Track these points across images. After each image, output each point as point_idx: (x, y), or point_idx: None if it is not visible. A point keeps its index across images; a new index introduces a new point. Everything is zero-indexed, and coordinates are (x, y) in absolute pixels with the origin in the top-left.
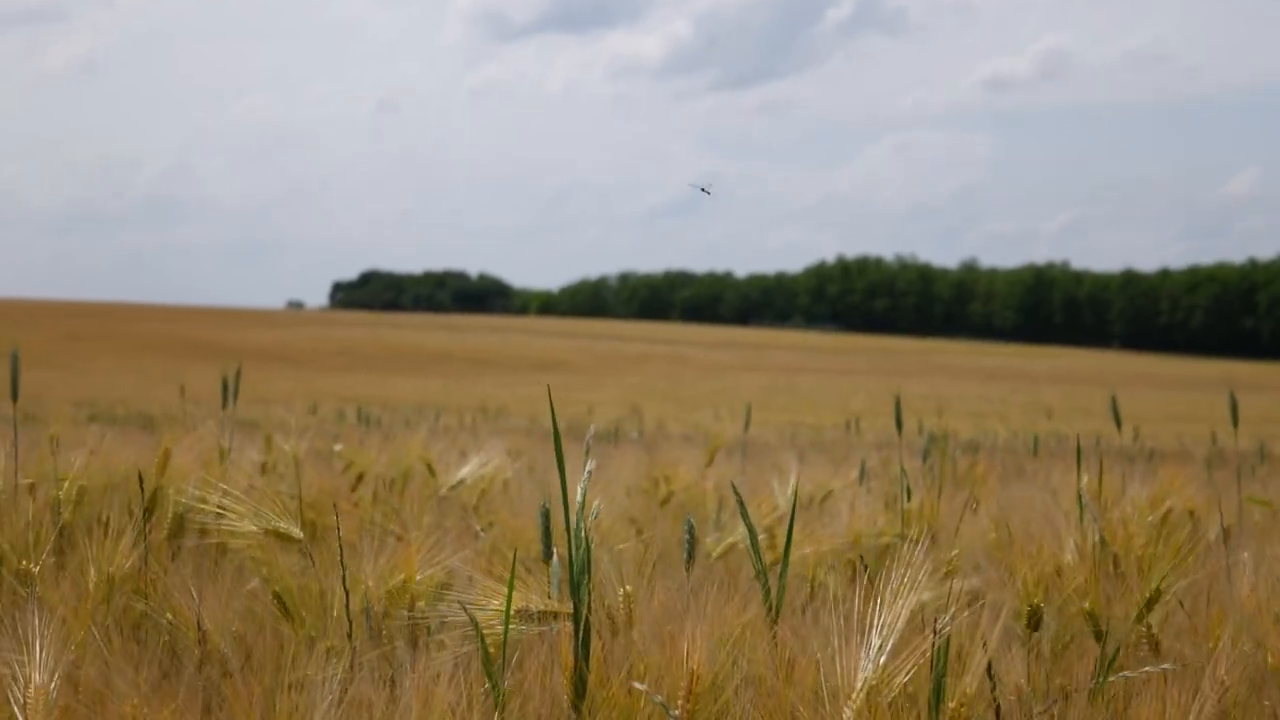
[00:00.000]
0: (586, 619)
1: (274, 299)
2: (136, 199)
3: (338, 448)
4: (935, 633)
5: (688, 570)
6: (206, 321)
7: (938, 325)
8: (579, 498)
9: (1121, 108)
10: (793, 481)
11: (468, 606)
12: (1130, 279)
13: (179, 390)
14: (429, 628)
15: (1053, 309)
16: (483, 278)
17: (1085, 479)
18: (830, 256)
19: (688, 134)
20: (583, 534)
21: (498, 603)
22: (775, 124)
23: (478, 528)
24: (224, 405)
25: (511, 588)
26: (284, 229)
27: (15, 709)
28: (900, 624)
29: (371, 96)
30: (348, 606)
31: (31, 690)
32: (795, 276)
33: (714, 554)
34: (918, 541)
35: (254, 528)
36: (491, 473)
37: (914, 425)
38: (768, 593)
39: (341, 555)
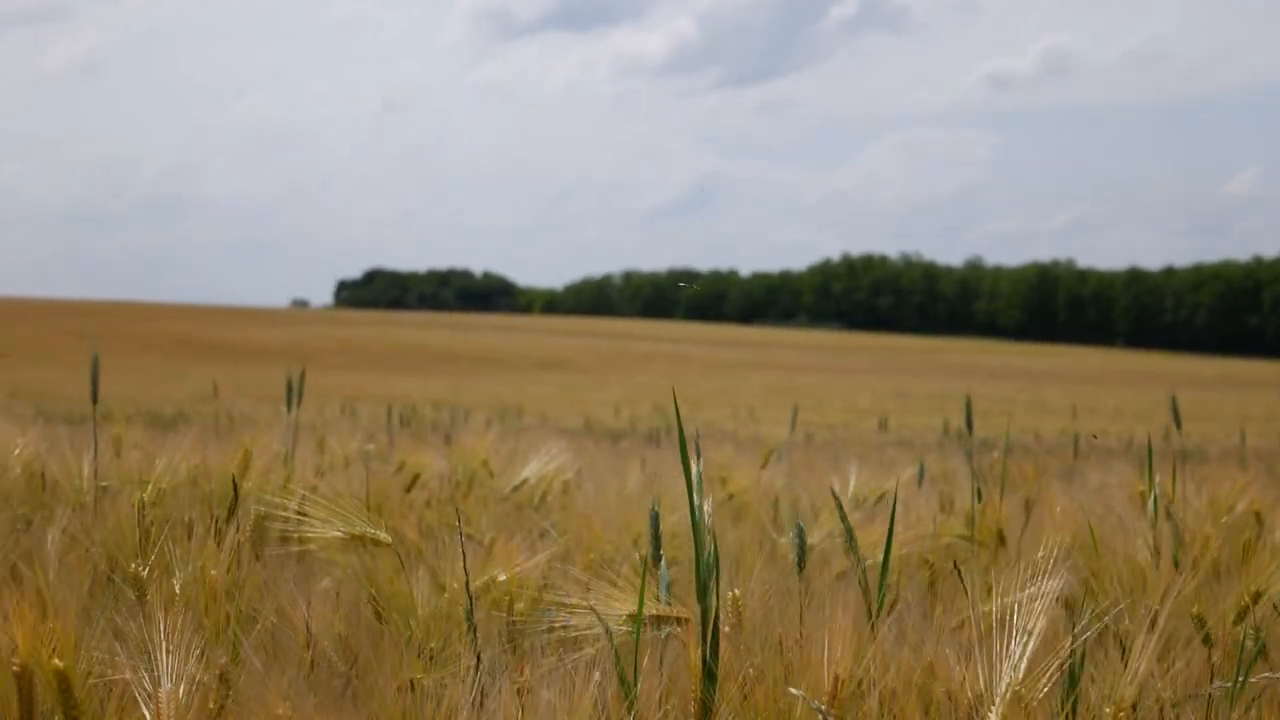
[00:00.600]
0: (715, 622)
1: (278, 298)
2: (139, 198)
3: (369, 447)
4: (1073, 637)
5: (800, 573)
6: (210, 320)
7: (942, 323)
8: (696, 500)
9: (1123, 106)
10: (853, 483)
11: (600, 612)
12: (1135, 277)
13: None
14: (529, 630)
15: (1057, 307)
16: (487, 276)
17: (1147, 481)
18: (834, 255)
19: (690, 132)
20: (708, 536)
21: (603, 605)
22: (778, 122)
23: (550, 528)
24: (289, 408)
25: (643, 591)
26: (286, 228)
27: (148, 715)
28: (1039, 628)
29: (374, 95)
30: (470, 610)
31: (163, 695)
32: (800, 275)
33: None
34: (986, 544)
35: (339, 532)
36: (553, 473)
37: (927, 425)
38: (867, 594)
39: (465, 559)
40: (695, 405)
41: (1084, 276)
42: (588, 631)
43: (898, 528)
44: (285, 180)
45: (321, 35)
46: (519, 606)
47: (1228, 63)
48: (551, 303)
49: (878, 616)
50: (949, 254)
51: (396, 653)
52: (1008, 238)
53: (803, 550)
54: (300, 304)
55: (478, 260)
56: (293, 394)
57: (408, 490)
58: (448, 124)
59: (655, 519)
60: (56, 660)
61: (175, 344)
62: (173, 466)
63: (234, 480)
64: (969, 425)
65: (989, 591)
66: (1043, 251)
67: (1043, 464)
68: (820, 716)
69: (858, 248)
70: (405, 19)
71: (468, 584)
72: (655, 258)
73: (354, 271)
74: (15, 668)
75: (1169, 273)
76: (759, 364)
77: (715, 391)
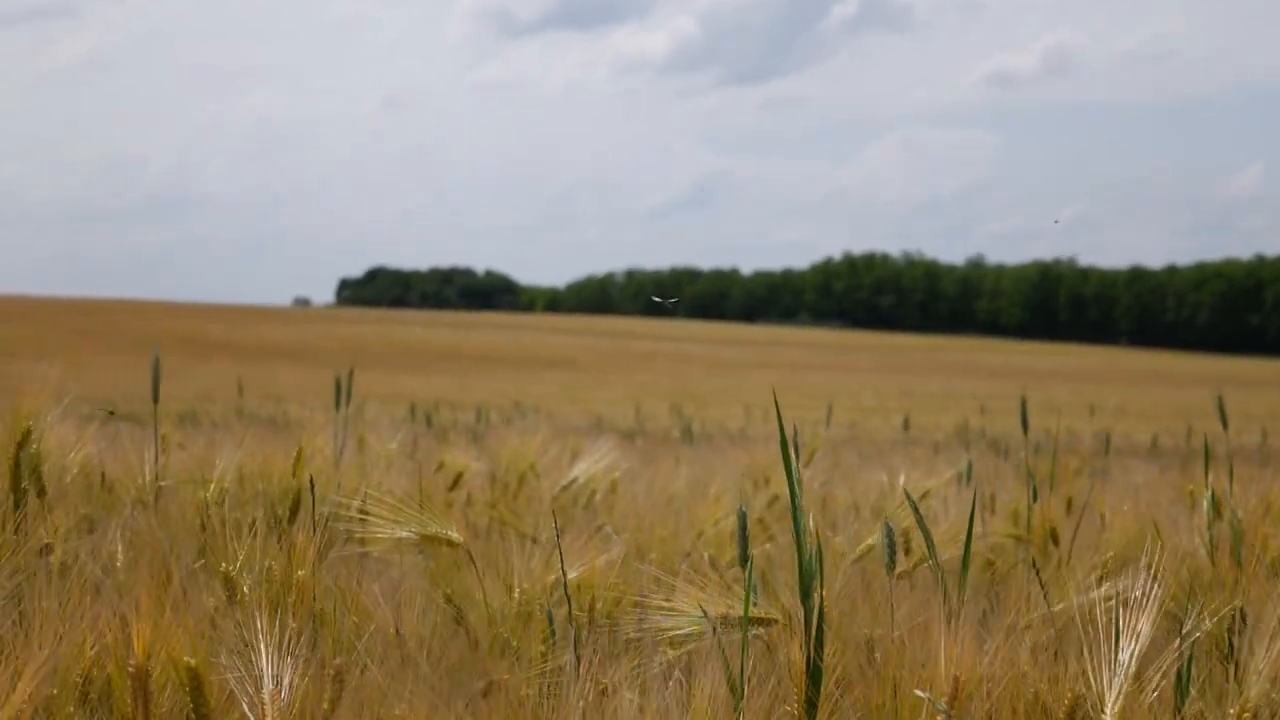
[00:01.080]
0: (819, 624)
1: (280, 296)
2: (141, 196)
3: (392, 445)
4: (1182, 638)
5: (890, 574)
6: (213, 318)
7: (944, 322)
8: (797, 500)
9: (1125, 105)
10: (902, 481)
11: (694, 613)
12: (1137, 275)
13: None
14: (615, 629)
15: (1059, 306)
16: (489, 274)
17: (1196, 480)
18: (836, 253)
19: (691, 131)
20: (811, 536)
21: (688, 604)
22: (780, 121)
23: (607, 528)
24: (337, 407)
25: (750, 591)
26: (288, 226)
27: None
28: (1146, 631)
29: (375, 94)
30: (570, 612)
31: (266, 695)
32: (802, 273)
33: (851, 557)
34: (1038, 544)
35: (410, 533)
36: (601, 473)
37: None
38: (946, 595)
39: (561, 558)
40: (700, 404)
41: (1086, 275)
42: (677, 632)
43: (944, 527)
44: (287, 178)
45: (323, 34)
46: (598, 606)
47: (1230, 61)
48: (553, 301)
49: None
50: (951, 253)
51: (480, 653)
52: (1009, 236)
53: (893, 550)
54: (302, 302)
55: (479, 259)
56: (341, 393)
57: (450, 489)
58: (449, 123)
59: (743, 519)
60: (188, 658)
61: (179, 342)
62: (233, 465)
63: (310, 480)
64: (1024, 425)
65: (1054, 591)
66: (1045, 250)
67: (1065, 464)
68: (944, 718)
69: (860, 246)
70: (406, 18)
71: (564, 582)
72: (657, 256)
73: (356, 270)
74: (132, 668)
75: (1171, 271)
76: (761, 363)
77: (719, 390)
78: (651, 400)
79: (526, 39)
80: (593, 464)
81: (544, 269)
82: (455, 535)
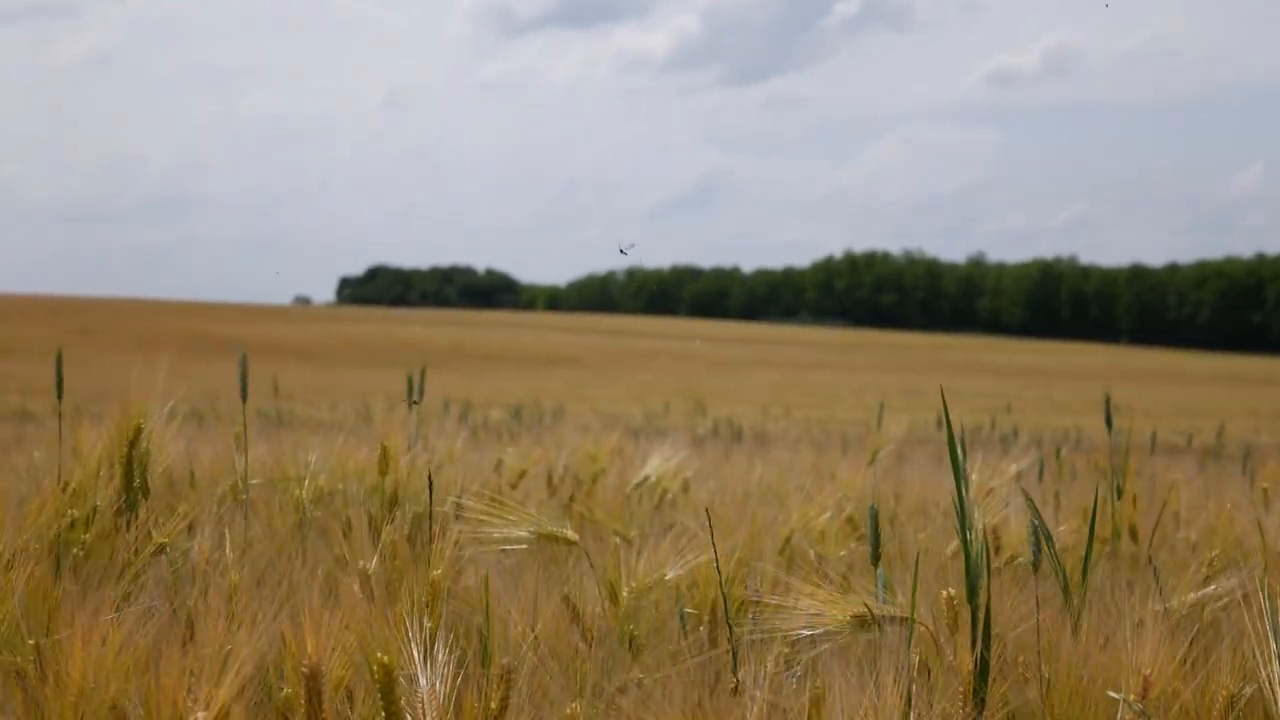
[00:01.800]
0: (987, 624)
1: (280, 295)
2: (142, 195)
3: (456, 444)
4: None
5: (1036, 572)
6: (216, 316)
7: (945, 320)
8: (964, 502)
9: (1126, 104)
10: (975, 478)
11: (823, 613)
12: (1138, 274)
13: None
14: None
15: (1060, 304)
16: (490, 273)
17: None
18: (838, 251)
19: (692, 130)
20: (976, 534)
21: (810, 603)
22: (781, 119)
23: (694, 526)
24: (410, 404)
25: (882, 589)
26: (288, 225)
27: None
28: None
29: (377, 92)
30: (721, 609)
31: (422, 694)
32: (803, 271)
33: (946, 553)
34: (1116, 541)
35: (526, 531)
36: (673, 471)
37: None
38: (1067, 594)
39: (723, 560)
40: (708, 402)
41: (1087, 273)
42: (808, 631)
43: (1014, 526)
44: (287, 178)
45: (323, 33)
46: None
47: (1230, 60)
48: (554, 299)
49: (1081, 613)
50: (951, 251)
51: (607, 651)
52: (1010, 235)
53: (1039, 549)
54: (303, 301)
55: (479, 258)
56: (413, 390)
57: (513, 486)
58: (449, 122)
59: (874, 517)
60: (381, 655)
61: (184, 341)
62: (316, 463)
63: (429, 478)
64: (1109, 423)
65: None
66: (1046, 249)
67: (1099, 462)
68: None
69: (860, 245)
70: (406, 17)
71: (723, 584)
72: (657, 256)
73: (356, 268)
74: (305, 669)
75: (1172, 270)
76: (763, 361)
77: (723, 389)
78: (656, 398)
79: (527, 37)
80: (663, 462)
81: (543, 268)
82: (571, 534)
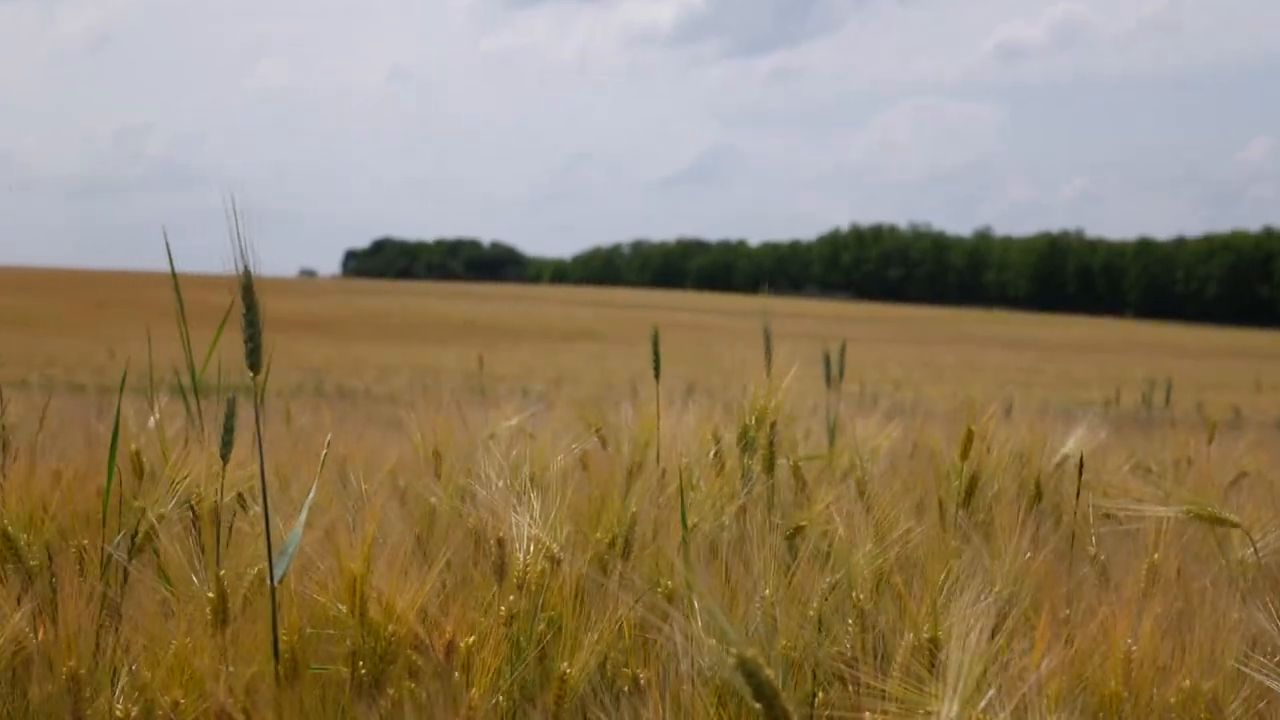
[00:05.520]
0: None
1: (286, 267)
2: (149, 167)
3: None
4: None
5: None
6: (226, 289)
7: (952, 294)
8: None
9: (1133, 76)
10: (1070, 444)
11: None
12: (1145, 247)
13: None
14: None
15: (1067, 277)
16: (495, 246)
17: None
18: (844, 224)
19: (700, 102)
20: None
21: None
22: (788, 91)
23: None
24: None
25: None
26: (294, 196)
27: None
28: None
29: (383, 65)
30: None
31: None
32: (809, 245)
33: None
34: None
35: (1176, 510)
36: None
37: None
38: None
39: None
40: (727, 376)
41: (1094, 247)
42: None
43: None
44: (293, 150)
45: (331, 5)
46: None
47: (1238, 32)
48: (560, 272)
49: None
50: (959, 224)
51: None
52: (1020, 207)
53: None
54: (309, 273)
55: (485, 229)
56: (831, 368)
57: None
58: (457, 93)
59: None
60: None
61: (197, 313)
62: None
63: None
64: (1165, 400)
65: None
66: (1053, 222)
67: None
68: None
69: (870, 217)
70: None
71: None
72: (664, 229)
73: (362, 241)
74: None
75: (1179, 243)
76: (778, 334)
77: (744, 362)
78: (683, 370)
79: (534, 9)
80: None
81: (547, 240)
82: (1234, 516)
